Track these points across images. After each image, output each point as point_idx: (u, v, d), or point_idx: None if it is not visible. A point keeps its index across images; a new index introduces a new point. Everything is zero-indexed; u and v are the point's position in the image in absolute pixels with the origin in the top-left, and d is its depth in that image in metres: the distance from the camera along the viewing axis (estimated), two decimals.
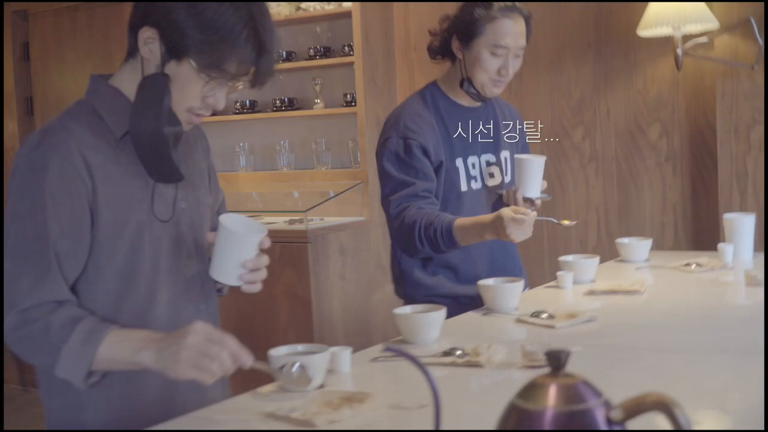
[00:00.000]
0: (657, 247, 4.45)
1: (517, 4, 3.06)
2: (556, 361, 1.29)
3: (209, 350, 1.85)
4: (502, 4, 3.03)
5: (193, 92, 2.02)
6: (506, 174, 3.26)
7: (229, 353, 1.87)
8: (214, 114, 5.21)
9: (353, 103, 5.13)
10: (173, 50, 1.97)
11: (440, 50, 3.20)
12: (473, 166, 3.17)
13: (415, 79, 5.15)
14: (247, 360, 1.90)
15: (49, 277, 1.95)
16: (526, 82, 4.93)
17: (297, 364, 2.05)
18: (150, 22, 1.98)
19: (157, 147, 2.01)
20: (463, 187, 3.14)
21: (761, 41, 4.23)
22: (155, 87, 1.99)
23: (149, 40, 1.99)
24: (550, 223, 4.79)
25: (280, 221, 5.05)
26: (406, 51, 5.23)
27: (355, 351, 2.31)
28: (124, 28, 6.05)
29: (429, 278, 3.14)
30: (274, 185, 5.41)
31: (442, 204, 3.10)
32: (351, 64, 5.11)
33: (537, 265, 4.69)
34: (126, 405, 2.08)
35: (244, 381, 2.24)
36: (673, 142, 4.63)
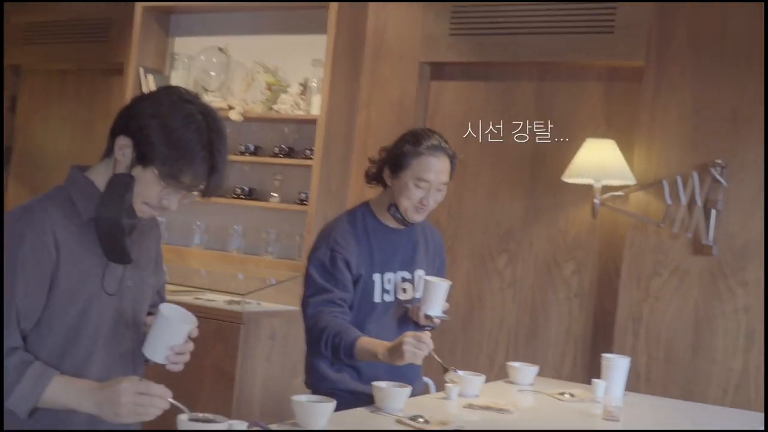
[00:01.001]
0: (555, 374, 4.90)
1: (442, 144, 3.50)
2: None
3: (142, 402, 2.31)
4: (430, 143, 3.47)
5: (151, 193, 2.45)
6: (417, 290, 3.67)
7: (157, 398, 2.32)
8: None
9: (306, 202, 5.57)
10: (141, 158, 2.41)
11: (375, 176, 3.63)
12: (389, 281, 3.57)
13: (367, 189, 5.58)
14: (168, 397, 2.36)
15: (10, 329, 2.37)
16: (464, 206, 5.42)
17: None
18: (127, 132, 2.43)
19: (114, 234, 2.45)
20: (377, 299, 3.54)
21: (669, 202, 4.73)
22: (121, 185, 2.43)
23: (123, 147, 2.43)
24: (466, 338, 5.23)
25: (220, 300, 5.42)
26: (363, 163, 5.60)
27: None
28: (108, 98, 6.51)
29: (334, 374, 3.50)
30: (222, 265, 5.81)
31: (356, 312, 3.48)
32: (310, 166, 5.56)
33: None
34: None
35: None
36: (584, 280, 5.11)
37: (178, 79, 6.22)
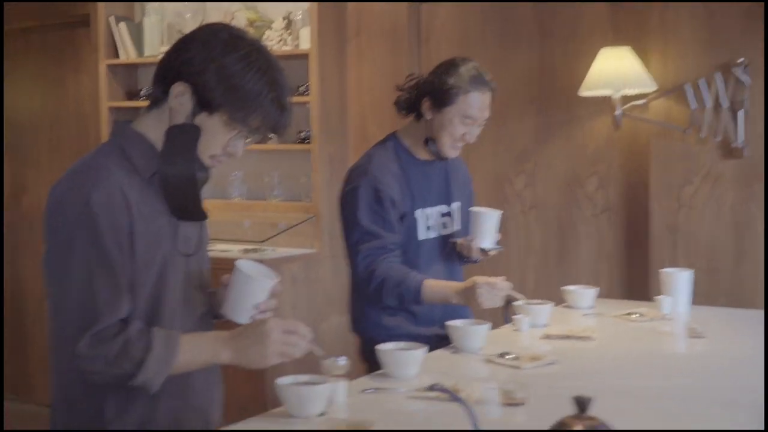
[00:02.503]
0: None
1: (485, 76, 3.35)
2: (582, 404, 1.57)
3: (290, 340, 2.21)
4: (474, 75, 3.31)
5: (218, 142, 2.26)
6: (457, 224, 3.53)
7: (301, 337, 2.23)
8: None
9: (306, 141, 5.35)
10: (205, 104, 2.22)
11: (407, 107, 3.46)
12: (429, 216, 3.43)
13: (367, 121, 5.42)
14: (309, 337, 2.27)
15: (122, 297, 2.17)
16: None
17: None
18: (182, 78, 2.22)
19: (187, 189, 2.26)
20: (421, 236, 3.40)
21: (693, 106, 4.59)
22: (187, 135, 2.23)
23: (180, 94, 2.23)
24: (492, 264, 5.07)
25: (234, 250, 5.23)
26: (360, 94, 5.48)
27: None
28: (76, 52, 6.21)
29: (389, 319, 3.36)
30: (226, 214, 5.60)
31: (402, 251, 3.35)
32: (306, 103, 5.33)
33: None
34: (141, 424, 2.30)
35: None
36: (609, 195, 4.96)
37: (151, 25, 5.94)
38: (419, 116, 3.41)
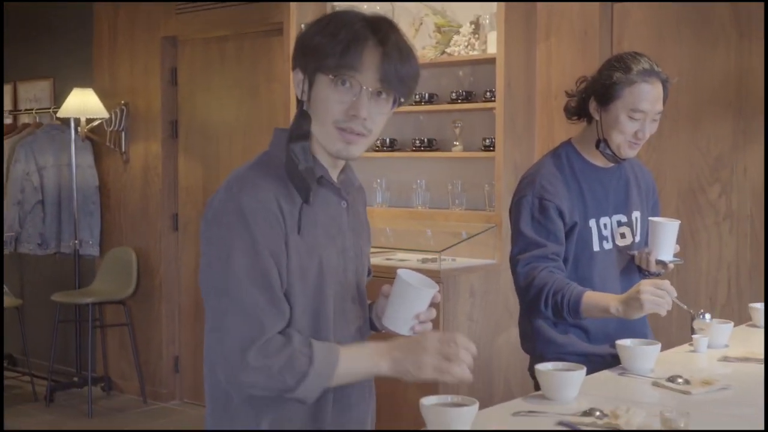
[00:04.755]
0: None
1: (655, 67, 3.14)
2: None
3: (447, 353, 2.09)
4: (641, 68, 3.11)
5: (332, 104, 2.15)
6: (636, 234, 3.33)
7: (463, 350, 2.12)
8: None
9: (491, 148, 5.23)
10: (311, 73, 2.15)
11: (576, 111, 3.30)
12: (605, 226, 3.25)
13: (554, 127, 5.24)
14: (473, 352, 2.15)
15: (281, 306, 2.12)
16: (665, 137, 4.97)
17: None
18: (297, 66, 2.19)
19: (289, 170, 2.17)
20: (596, 247, 3.22)
21: None
22: (299, 117, 2.20)
23: (299, 82, 2.19)
24: (681, 279, 4.82)
25: (413, 259, 5.16)
26: (547, 99, 5.31)
27: (478, 393, 2.43)
28: (270, 61, 6.32)
29: (560, 336, 3.21)
30: (408, 222, 5.54)
31: (574, 263, 3.18)
32: (491, 109, 5.21)
33: (665, 321, 4.69)
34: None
35: None
36: None
37: None
38: (590, 120, 3.25)
